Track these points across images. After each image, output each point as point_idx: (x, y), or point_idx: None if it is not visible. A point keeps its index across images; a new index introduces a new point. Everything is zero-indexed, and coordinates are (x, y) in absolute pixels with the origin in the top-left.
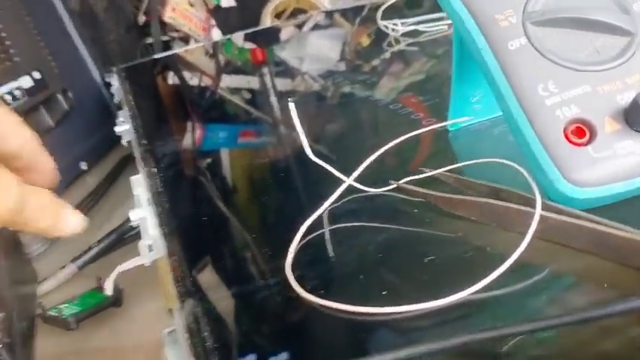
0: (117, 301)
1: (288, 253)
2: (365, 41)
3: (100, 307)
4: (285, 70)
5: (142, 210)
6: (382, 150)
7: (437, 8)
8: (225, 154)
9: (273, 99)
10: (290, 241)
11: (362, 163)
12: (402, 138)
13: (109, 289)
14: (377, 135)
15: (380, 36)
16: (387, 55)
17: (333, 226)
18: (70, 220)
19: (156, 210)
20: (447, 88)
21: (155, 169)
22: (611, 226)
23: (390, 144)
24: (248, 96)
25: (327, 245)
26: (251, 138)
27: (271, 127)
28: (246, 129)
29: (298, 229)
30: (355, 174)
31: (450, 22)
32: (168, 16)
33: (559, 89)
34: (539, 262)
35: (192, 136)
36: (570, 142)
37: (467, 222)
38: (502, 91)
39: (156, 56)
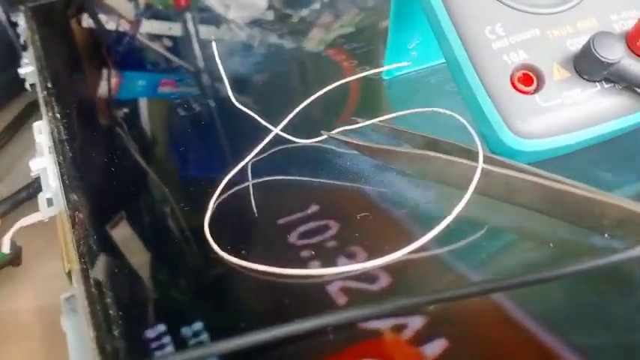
0: (15, 259)
1: (207, 209)
2: None
3: None
4: (209, 17)
5: (43, 159)
6: (312, 98)
7: None
8: (143, 104)
9: (196, 46)
10: (210, 195)
11: (290, 112)
12: (334, 85)
13: (5, 247)
14: (306, 85)
15: None
16: (317, 5)
17: (257, 180)
18: None
19: (57, 159)
20: (378, 40)
21: (59, 115)
22: (562, 182)
23: (321, 91)
24: (169, 43)
25: (250, 201)
26: (172, 87)
27: (193, 75)
28: (166, 78)
29: (219, 183)
30: (283, 123)
31: None
32: None
33: (507, 32)
34: (478, 219)
35: (107, 83)
36: (517, 89)
37: (403, 176)
38: (446, 33)
39: None
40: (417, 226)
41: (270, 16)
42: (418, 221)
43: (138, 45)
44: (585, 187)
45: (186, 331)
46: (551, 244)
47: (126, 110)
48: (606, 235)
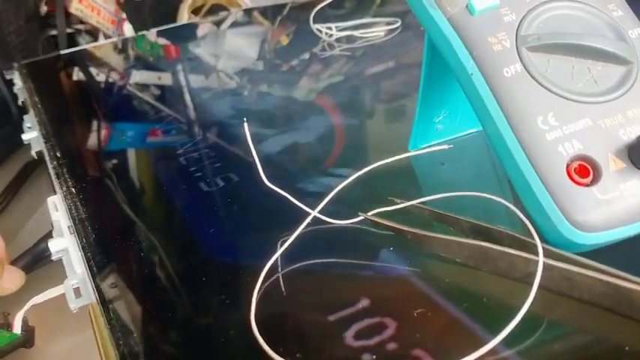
0: (28, 340)
1: (252, 302)
2: (284, 40)
3: (7, 348)
4: (198, 67)
5: (64, 240)
6: (352, 178)
7: (366, 12)
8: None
9: (187, 97)
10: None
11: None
12: (369, 168)
13: (17, 327)
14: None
15: (306, 36)
16: (307, 55)
17: (294, 266)
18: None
19: (79, 241)
20: (366, 87)
21: (74, 189)
22: (628, 280)
23: (359, 172)
24: (158, 92)
25: (293, 290)
26: (160, 137)
27: (183, 125)
28: (154, 127)
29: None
30: (321, 205)
31: (386, 28)
32: (74, 7)
33: (559, 122)
34: (542, 317)
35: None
36: (574, 181)
37: (451, 264)
38: (497, 123)
39: (63, 51)
40: (479, 324)
41: (260, 66)
42: (480, 319)
43: (127, 96)
44: None
45: None
46: (627, 348)
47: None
48: None
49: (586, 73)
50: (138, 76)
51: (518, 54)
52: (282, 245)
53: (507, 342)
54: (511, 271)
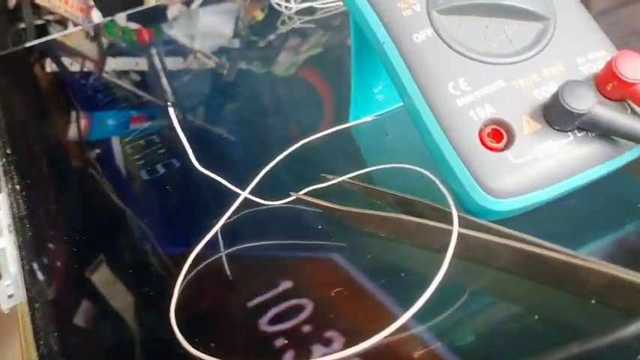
0: None
1: (173, 295)
2: (259, 15)
3: None
4: (175, 49)
5: (3, 239)
6: (278, 159)
7: None
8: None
9: (164, 80)
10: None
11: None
12: (302, 142)
13: None
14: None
15: (273, 12)
16: (283, 30)
17: (222, 253)
18: None
19: (16, 240)
20: (348, 58)
21: (19, 186)
22: (541, 246)
23: (287, 151)
24: (137, 78)
25: (217, 278)
26: (144, 122)
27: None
28: (137, 113)
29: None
30: (251, 186)
31: None
32: None
33: (471, 87)
34: (457, 287)
35: (77, 126)
36: (487, 147)
37: (376, 239)
38: (408, 91)
39: (29, 44)
40: (394, 299)
41: (236, 43)
42: (396, 294)
43: (105, 83)
44: (565, 251)
45: None
46: (536, 317)
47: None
48: (593, 301)
49: (500, 33)
50: (114, 63)
51: (429, 18)
52: (210, 231)
53: (426, 314)
54: (430, 243)
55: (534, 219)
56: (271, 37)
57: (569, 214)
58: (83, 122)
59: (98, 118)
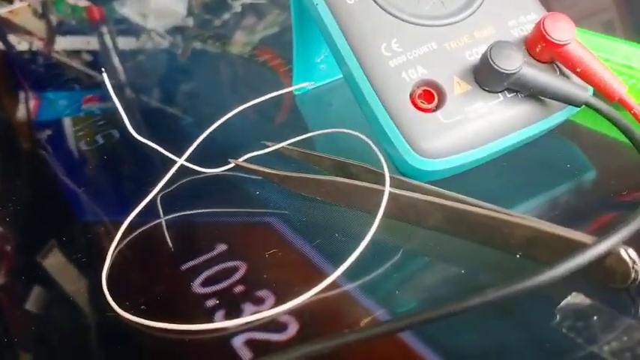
0: None
1: (106, 259)
2: None
3: None
4: (128, 29)
5: None
6: (217, 124)
7: None
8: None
9: (116, 60)
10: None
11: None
12: (240, 108)
13: None
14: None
15: None
16: (238, 8)
17: (159, 220)
18: None
19: None
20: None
21: None
22: (467, 202)
23: (227, 115)
24: (89, 58)
25: (152, 245)
26: (97, 103)
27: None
28: (90, 94)
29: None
30: (187, 152)
31: None
32: None
33: (404, 48)
34: (390, 246)
35: (26, 107)
36: (418, 108)
37: (313, 202)
38: (342, 53)
39: None
40: (328, 259)
41: (190, 22)
42: (329, 254)
43: (55, 63)
44: (491, 207)
45: None
46: (462, 271)
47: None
48: (518, 256)
49: None
50: (64, 42)
51: None
52: (145, 199)
53: (358, 274)
54: (364, 204)
55: (469, 181)
56: (226, 16)
57: (501, 176)
58: (32, 103)
59: (48, 99)
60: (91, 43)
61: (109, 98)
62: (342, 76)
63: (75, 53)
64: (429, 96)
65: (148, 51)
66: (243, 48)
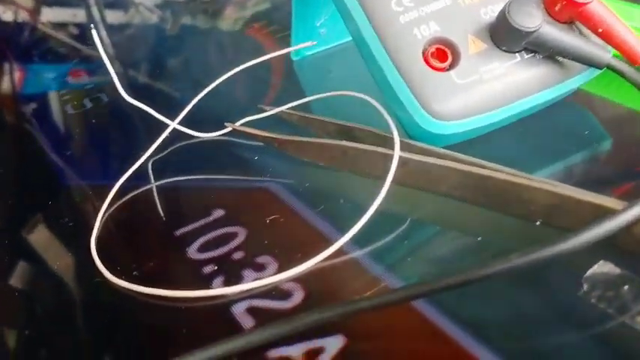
0: None
1: (95, 224)
2: None
3: None
4: (115, 1)
5: None
6: (212, 86)
7: None
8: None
9: (104, 33)
10: (98, 207)
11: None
12: (236, 70)
13: None
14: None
15: None
16: None
17: (151, 185)
18: None
19: None
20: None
21: None
22: (484, 167)
23: (222, 78)
24: (75, 31)
25: (144, 210)
26: (83, 77)
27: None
28: (76, 68)
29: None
30: (181, 116)
31: None
32: None
33: (415, 3)
34: (399, 214)
35: (10, 79)
36: (431, 67)
37: (315, 168)
38: (349, 8)
39: None
40: (332, 226)
41: None
42: (334, 220)
43: (41, 35)
44: (510, 171)
45: None
46: (479, 239)
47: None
48: (537, 223)
49: None
50: (50, 14)
51: None
52: (135, 163)
53: (364, 242)
54: (371, 170)
55: (480, 147)
56: None
57: (515, 142)
58: (17, 75)
59: (33, 72)
60: (77, 15)
61: (96, 71)
62: (342, 41)
63: (61, 26)
64: (442, 55)
65: (136, 25)
66: (234, 23)
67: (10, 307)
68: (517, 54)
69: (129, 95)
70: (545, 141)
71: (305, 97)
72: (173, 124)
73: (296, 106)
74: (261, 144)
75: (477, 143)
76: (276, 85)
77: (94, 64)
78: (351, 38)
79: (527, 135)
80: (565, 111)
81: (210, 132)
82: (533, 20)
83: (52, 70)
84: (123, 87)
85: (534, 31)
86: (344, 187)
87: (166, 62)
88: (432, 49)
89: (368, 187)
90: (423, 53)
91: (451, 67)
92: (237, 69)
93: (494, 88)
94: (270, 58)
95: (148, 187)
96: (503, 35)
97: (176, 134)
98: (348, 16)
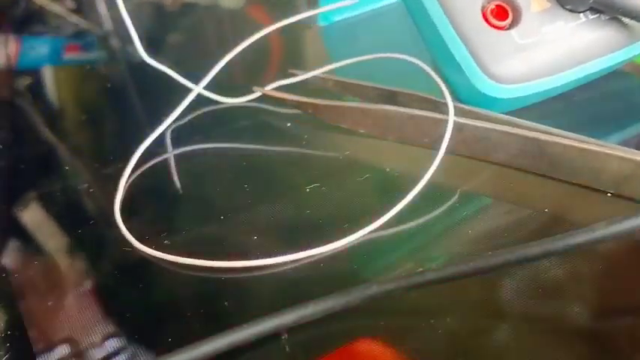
0: None
1: (118, 189)
2: None
3: None
4: None
5: None
6: (240, 48)
7: None
8: (46, 72)
9: (102, 7)
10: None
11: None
12: (264, 32)
13: None
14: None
15: None
16: None
17: (178, 151)
18: None
19: None
20: None
21: None
22: (550, 133)
23: (249, 40)
24: (73, 5)
25: (172, 176)
26: (79, 52)
27: (102, 38)
28: (72, 42)
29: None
30: (206, 80)
31: None
32: None
33: None
34: (452, 185)
35: (5, 52)
36: (490, 25)
37: (356, 136)
38: None
39: None
40: (379, 197)
41: None
42: (380, 192)
43: (38, 8)
44: (577, 137)
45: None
46: (546, 210)
47: (27, 81)
48: (609, 194)
49: None
50: None
51: None
52: (158, 128)
53: (413, 215)
54: (420, 137)
55: (533, 113)
56: None
57: (572, 109)
58: (12, 49)
59: (29, 46)
60: None
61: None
62: (371, 7)
63: None
64: (503, 12)
65: (135, 2)
66: (236, 3)
67: (33, 280)
68: (581, 14)
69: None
70: (604, 108)
71: (335, 62)
72: (198, 89)
73: (329, 70)
74: (293, 111)
75: (531, 111)
76: (304, 50)
77: (91, 39)
78: (380, 4)
79: (583, 103)
80: (618, 79)
81: (238, 97)
82: None
83: (48, 44)
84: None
85: None
86: (389, 155)
87: (179, 31)
88: (492, 5)
89: (416, 156)
90: (482, 10)
91: (512, 25)
92: (263, 32)
93: (558, 50)
94: (298, 22)
95: (172, 153)
96: None
97: (199, 99)
98: None
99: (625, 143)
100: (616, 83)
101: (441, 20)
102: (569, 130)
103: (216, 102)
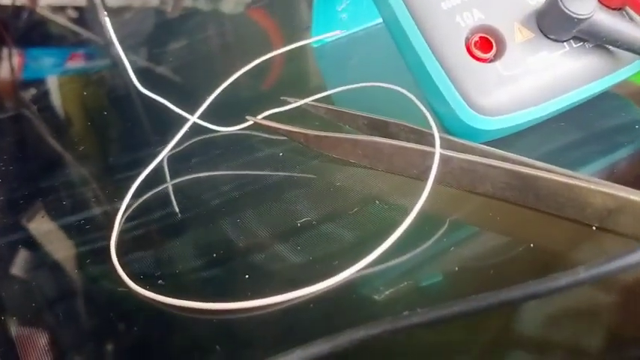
0: None
1: (113, 229)
2: None
3: None
4: None
5: None
6: (231, 79)
7: None
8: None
9: (103, 17)
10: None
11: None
12: (257, 61)
13: None
14: (229, 55)
15: None
16: None
17: (171, 183)
18: None
19: None
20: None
21: None
22: (535, 167)
23: (241, 71)
24: (75, 15)
25: (168, 208)
26: (82, 61)
27: (103, 48)
28: (75, 52)
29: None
30: (201, 109)
31: None
32: None
33: None
34: (438, 218)
35: (9, 64)
36: (474, 57)
37: (346, 166)
38: None
39: None
40: (369, 229)
41: None
42: (370, 224)
43: (40, 19)
44: (563, 171)
45: None
46: (531, 245)
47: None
48: (594, 227)
49: None
50: None
51: None
52: (154, 160)
53: (402, 247)
54: (408, 168)
55: (519, 141)
56: None
57: (557, 135)
58: (16, 60)
59: (33, 56)
60: None
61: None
62: (363, 26)
63: (60, 9)
64: (487, 44)
65: (136, 8)
66: (235, 7)
67: (25, 314)
68: (565, 43)
69: (143, 87)
70: (589, 134)
71: (327, 85)
72: (193, 119)
73: (320, 98)
74: (283, 138)
75: (516, 137)
76: (296, 76)
77: (93, 48)
78: (371, 23)
79: (569, 129)
80: (607, 102)
81: (231, 126)
82: (586, 6)
83: (51, 55)
84: (136, 78)
85: (587, 18)
86: (379, 186)
87: (175, 53)
88: (476, 37)
89: (405, 187)
90: (466, 43)
91: (496, 57)
92: (257, 61)
93: (543, 80)
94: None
95: (167, 184)
96: (553, 23)
97: (194, 127)
98: (383, 1)
99: (604, 170)
100: (602, 105)
101: (426, 53)
102: (552, 157)
103: (211, 130)
